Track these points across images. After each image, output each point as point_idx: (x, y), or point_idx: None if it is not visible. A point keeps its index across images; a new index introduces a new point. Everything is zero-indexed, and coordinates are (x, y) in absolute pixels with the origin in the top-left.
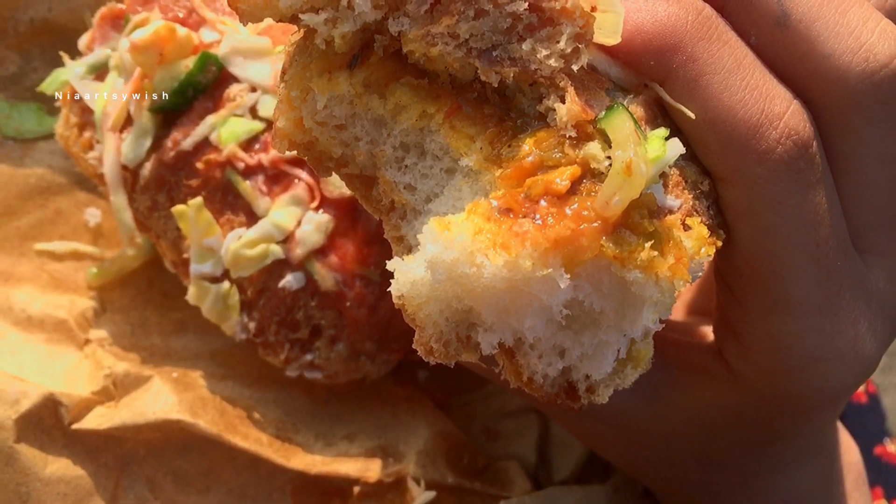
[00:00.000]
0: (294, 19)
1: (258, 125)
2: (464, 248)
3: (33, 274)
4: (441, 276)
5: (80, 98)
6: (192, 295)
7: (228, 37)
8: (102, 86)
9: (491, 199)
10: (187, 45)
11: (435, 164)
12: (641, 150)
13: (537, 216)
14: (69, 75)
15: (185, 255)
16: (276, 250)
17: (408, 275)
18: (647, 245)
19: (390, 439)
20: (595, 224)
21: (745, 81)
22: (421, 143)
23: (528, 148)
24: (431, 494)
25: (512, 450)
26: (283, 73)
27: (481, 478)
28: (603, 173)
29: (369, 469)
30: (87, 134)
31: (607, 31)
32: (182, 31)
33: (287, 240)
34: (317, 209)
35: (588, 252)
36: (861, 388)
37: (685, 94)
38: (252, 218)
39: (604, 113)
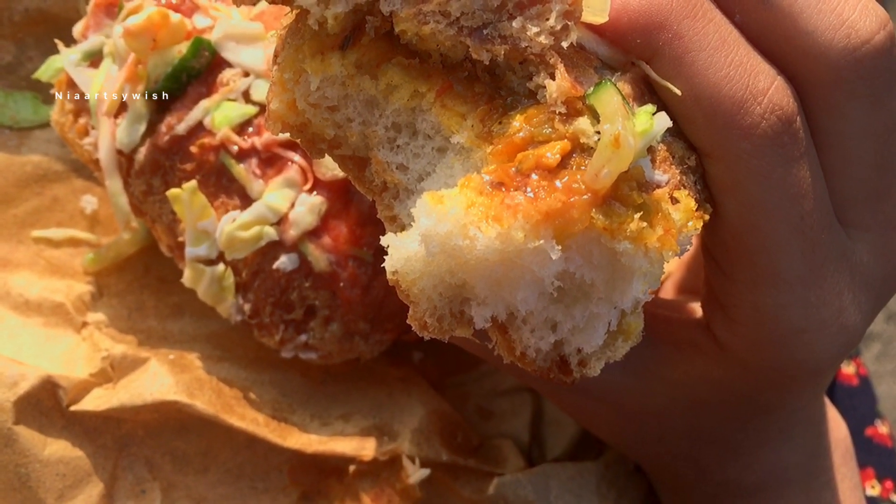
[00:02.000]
0: (287, 1)
1: (251, 109)
2: (457, 220)
3: (31, 260)
4: (435, 248)
5: (75, 85)
6: (187, 277)
7: (221, 22)
8: (97, 72)
9: (483, 174)
10: (180, 30)
11: (427, 144)
12: (629, 123)
13: (528, 189)
14: (64, 62)
15: (180, 239)
16: (270, 232)
17: (402, 250)
18: (637, 216)
19: (385, 418)
20: (585, 196)
21: (729, 58)
22: (412, 123)
23: (519, 124)
24: (426, 472)
25: (505, 429)
26: (276, 55)
27: (475, 455)
28: (592, 148)
29: (365, 448)
30: (82, 120)
31: (595, 10)
32: (175, 17)
33: (281, 222)
34: (310, 191)
35: (579, 224)
36: (852, 371)
37: (671, 71)
38: (246, 200)
39: (592, 89)
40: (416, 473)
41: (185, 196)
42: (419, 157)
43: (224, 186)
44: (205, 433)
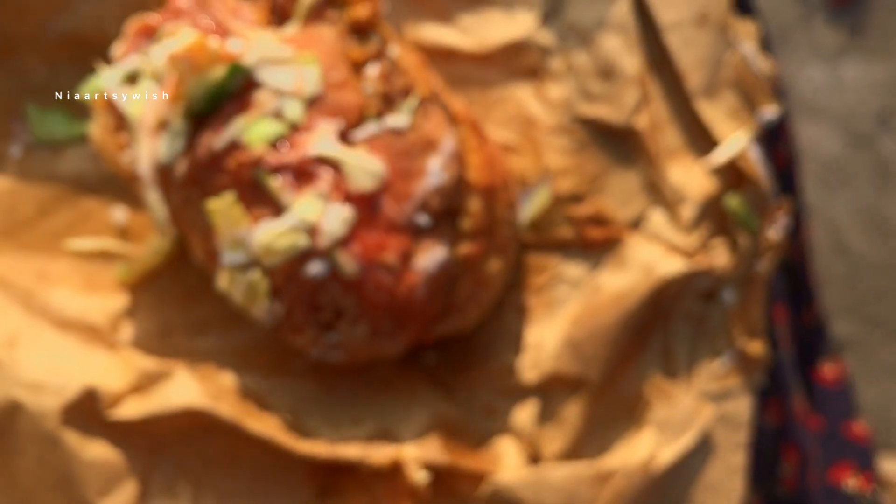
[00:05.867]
0: None
1: (284, 127)
2: None
3: (66, 274)
4: None
5: (114, 103)
6: (222, 283)
7: (254, 47)
8: (136, 91)
9: None
10: (217, 54)
11: None
12: None
13: None
14: (104, 81)
15: (215, 248)
16: (303, 241)
17: None
18: None
19: (390, 422)
20: None
21: None
22: None
23: None
24: (426, 475)
25: (507, 427)
26: None
27: (475, 455)
28: None
29: (371, 452)
30: (121, 137)
31: None
32: (213, 42)
33: (312, 231)
34: (340, 203)
35: None
36: (833, 373)
37: None
38: (280, 212)
39: None
40: (417, 474)
41: (223, 207)
42: None
43: (258, 198)
44: (228, 437)
